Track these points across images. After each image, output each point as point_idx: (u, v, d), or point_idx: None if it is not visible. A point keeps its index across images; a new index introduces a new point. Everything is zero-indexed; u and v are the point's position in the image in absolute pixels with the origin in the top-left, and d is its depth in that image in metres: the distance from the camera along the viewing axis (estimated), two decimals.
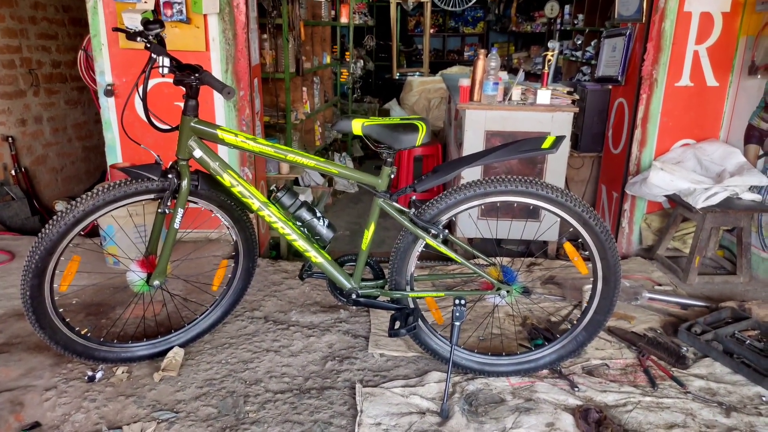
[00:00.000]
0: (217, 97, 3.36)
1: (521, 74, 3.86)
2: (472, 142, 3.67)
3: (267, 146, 2.03)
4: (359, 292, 2.20)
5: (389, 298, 2.22)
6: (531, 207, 2.03)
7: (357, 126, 1.96)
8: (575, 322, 2.59)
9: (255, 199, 2.10)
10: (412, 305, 2.20)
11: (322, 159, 2.05)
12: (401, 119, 1.98)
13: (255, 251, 2.41)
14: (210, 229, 3.57)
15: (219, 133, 2.03)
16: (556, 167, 3.67)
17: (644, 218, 3.65)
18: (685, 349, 2.51)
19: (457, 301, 2.11)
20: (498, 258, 2.45)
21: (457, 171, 1.98)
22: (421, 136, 1.93)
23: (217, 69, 3.29)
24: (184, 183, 2.07)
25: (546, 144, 1.92)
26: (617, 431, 2.00)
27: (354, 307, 2.65)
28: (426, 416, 2.07)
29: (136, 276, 2.20)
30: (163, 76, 2.01)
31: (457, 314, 2.10)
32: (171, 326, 2.55)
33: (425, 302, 2.41)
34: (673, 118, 3.49)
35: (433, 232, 2.06)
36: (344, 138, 6.45)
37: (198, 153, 2.05)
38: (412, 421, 2.04)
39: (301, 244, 2.14)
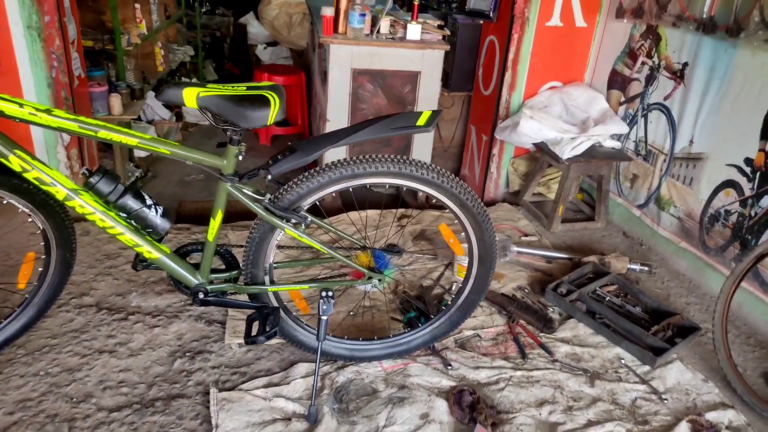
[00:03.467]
0: (15, 25, 2.62)
1: (390, 1, 3.48)
2: (338, 81, 3.30)
3: (68, 119, 1.54)
4: (208, 288, 1.86)
5: (246, 294, 1.91)
6: (404, 187, 1.78)
7: (190, 96, 1.53)
8: (448, 292, 2.48)
9: (60, 186, 1.62)
10: (273, 301, 1.91)
11: (147, 136, 1.61)
12: (247, 88, 1.58)
13: (71, 237, 1.93)
14: None
15: None
16: (427, 106, 3.45)
17: (511, 162, 3.60)
18: (551, 310, 2.52)
19: (323, 293, 1.85)
20: (367, 237, 2.21)
21: (318, 152, 1.65)
22: (273, 113, 1.56)
23: None
24: None
25: (421, 120, 1.65)
26: (491, 414, 1.94)
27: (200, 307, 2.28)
28: (292, 423, 1.85)
29: None
30: None
31: (324, 307, 1.85)
32: None
33: (288, 294, 2.13)
34: (542, 60, 3.37)
35: (293, 220, 1.75)
36: (194, 60, 5.67)
37: None
38: (276, 431, 1.81)
39: (129, 237, 1.72)
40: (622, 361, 2.25)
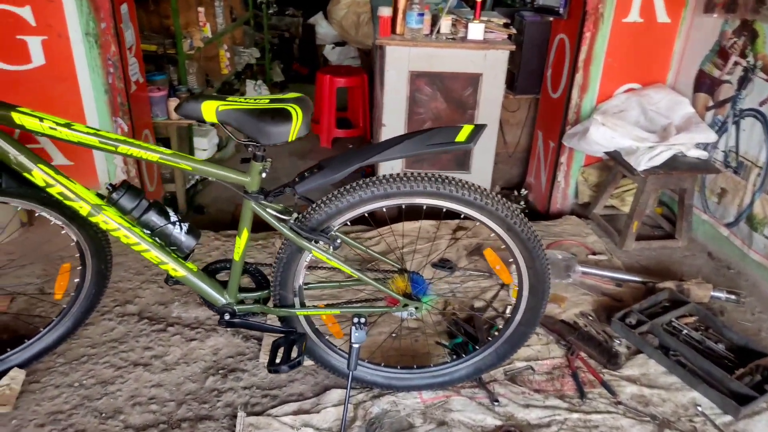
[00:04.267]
0: (74, 32, 2.66)
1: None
2: (395, 84, 3.15)
3: (88, 134, 1.48)
4: (235, 309, 1.77)
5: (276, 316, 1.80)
6: (444, 210, 1.61)
7: (209, 110, 1.43)
8: (502, 316, 2.29)
9: (84, 202, 1.58)
10: (303, 325, 1.79)
11: (169, 151, 1.53)
12: (270, 101, 1.46)
13: (105, 249, 1.90)
14: None
15: (15, 116, 1.45)
16: (489, 111, 3.24)
17: (581, 171, 3.31)
18: (618, 342, 2.25)
19: (355, 320, 1.71)
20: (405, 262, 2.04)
21: (346, 170, 1.50)
22: (295, 128, 1.43)
23: None
24: None
25: (461, 136, 1.46)
26: None
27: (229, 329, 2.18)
28: None
29: None
30: None
31: (356, 334, 1.71)
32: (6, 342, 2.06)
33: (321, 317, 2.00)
34: (618, 60, 3.06)
35: (321, 243, 1.61)
36: (260, 61, 5.70)
37: None
38: None
39: (154, 254, 1.66)
40: (699, 408, 1.96)
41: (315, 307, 1.80)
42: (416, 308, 1.77)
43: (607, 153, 2.96)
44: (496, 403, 1.95)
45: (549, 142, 3.40)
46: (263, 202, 1.59)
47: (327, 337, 1.89)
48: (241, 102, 1.45)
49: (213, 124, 3.99)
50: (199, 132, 3.94)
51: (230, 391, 1.98)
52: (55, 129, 1.46)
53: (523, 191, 3.65)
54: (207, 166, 1.55)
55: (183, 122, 3.47)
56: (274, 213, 1.59)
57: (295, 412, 1.88)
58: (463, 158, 3.46)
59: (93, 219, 1.59)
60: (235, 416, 1.87)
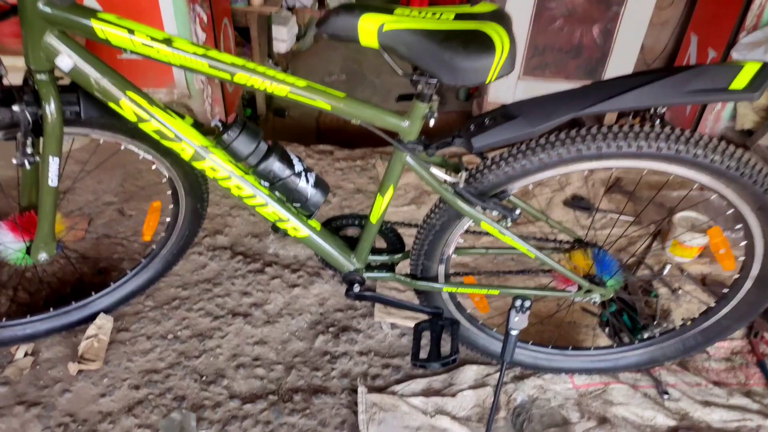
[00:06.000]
0: None
1: None
2: None
3: (195, 55, 1.06)
4: (365, 276, 1.41)
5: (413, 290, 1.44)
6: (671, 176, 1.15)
7: (368, 30, 0.98)
8: (659, 277, 1.88)
9: (187, 142, 1.19)
10: (447, 304, 1.43)
11: (302, 82, 1.10)
12: (456, 17, 0.98)
13: (201, 186, 1.54)
14: (154, 88, 2.62)
15: (96, 26, 1.03)
16: (639, 6, 2.63)
17: None
18: None
19: (517, 303, 1.34)
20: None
21: (550, 122, 1.04)
22: (498, 64, 0.96)
23: None
24: (50, 110, 1.14)
25: (740, 81, 0.97)
26: None
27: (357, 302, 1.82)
28: None
29: (6, 247, 1.38)
30: None
31: (516, 319, 1.35)
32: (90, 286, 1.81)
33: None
34: None
35: (494, 212, 1.20)
36: None
37: (65, 61, 1.08)
38: None
39: (274, 211, 1.28)
40: None
41: (462, 283, 1.42)
42: (601, 295, 1.37)
43: None
44: (665, 396, 1.60)
45: (707, 50, 2.75)
46: (423, 154, 1.16)
47: (470, 311, 1.54)
48: (414, 19, 0.98)
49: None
50: (278, 19, 3.43)
51: (345, 357, 1.69)
52: (150, 46, 1.04)
53: (660, 109, 3.06)
54: (351, 104, 1.12)
55: (265, 10, 2.96)
56: (438, 173, 1.16)
57: (425, 393, 1.58)
58: (596, 64, 2.88)
59: (197, 164, 1.21)
60: (354, 390, 1.59)
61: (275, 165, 1.21)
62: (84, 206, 2.15)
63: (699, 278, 1.97)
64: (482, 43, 0.95)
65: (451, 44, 0.95)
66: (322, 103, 1.12)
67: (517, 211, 1.20)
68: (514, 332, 1.38)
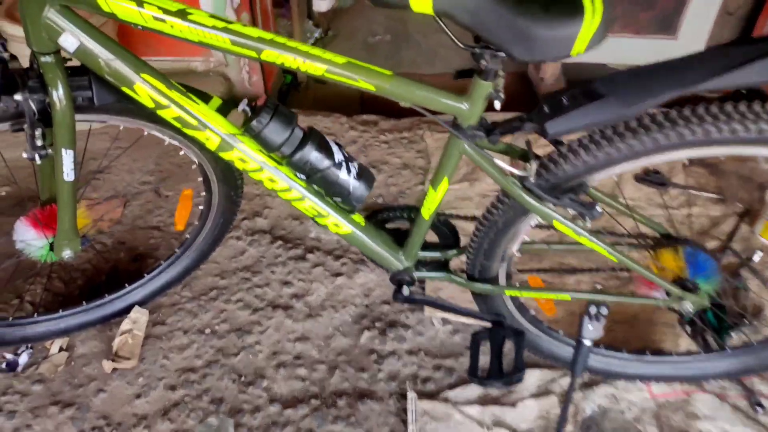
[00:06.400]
0: None
1: None
2: None
3: (215, 30, 0.89)
4: (414, 276, 1.25)
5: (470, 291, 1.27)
6: None
7: None
8: (747, 265, 1.65)
9: (213, 130, 1.03)
10: (510, 308, 1.26)
11: (341, 59, 0.92)
12: None
13: (234, 172, 1.40)
14: (189, 57, 2.49)
15: None
16: None
17: None
18: None
19: (592, 310, 1.16)
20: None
21: (647, 102, 0.84)
22: (588, 31, 0.76)
23: None
24: (58, 97, 1.00)
25: None
26: None
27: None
28: None
29: (29, 245, 1.28)
30: None
31: (590, 327, 1.17)
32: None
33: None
34: None
35: (569, 210, 1.01)
36: None
37: (70, 40, 0.93)
38: None
39: (313, 206, 1.13)
40: None
41: (526, 285, 1.24)
42: (693, 303, 1.17)
43: None
44: (759, 410, 1.40)
45: None
46: (485, 141, 0.97)
47: (533, 313, 1.36)
48: None
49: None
50: None
51: (392, 357, 1.55)
52: (162, 20, 0.88)
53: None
54: (401, 85, 0.93)
55: None
56: (501, 164, 0.98)
57: (482, 400, 1.43)
58: (671, 16, 2.57)
59: (224, 155, 1.07)
60: (402, 395, 1.46)
61: (312, 155, 1.04)
62: (120, 188, 2.06)
63: None
64: (567, 5, 0.74)
65: (528, 8, 0.74)
66: (365, 83, 0.94)
67: (598, 208, 1.00)
68: (587, 342, 1.20)
